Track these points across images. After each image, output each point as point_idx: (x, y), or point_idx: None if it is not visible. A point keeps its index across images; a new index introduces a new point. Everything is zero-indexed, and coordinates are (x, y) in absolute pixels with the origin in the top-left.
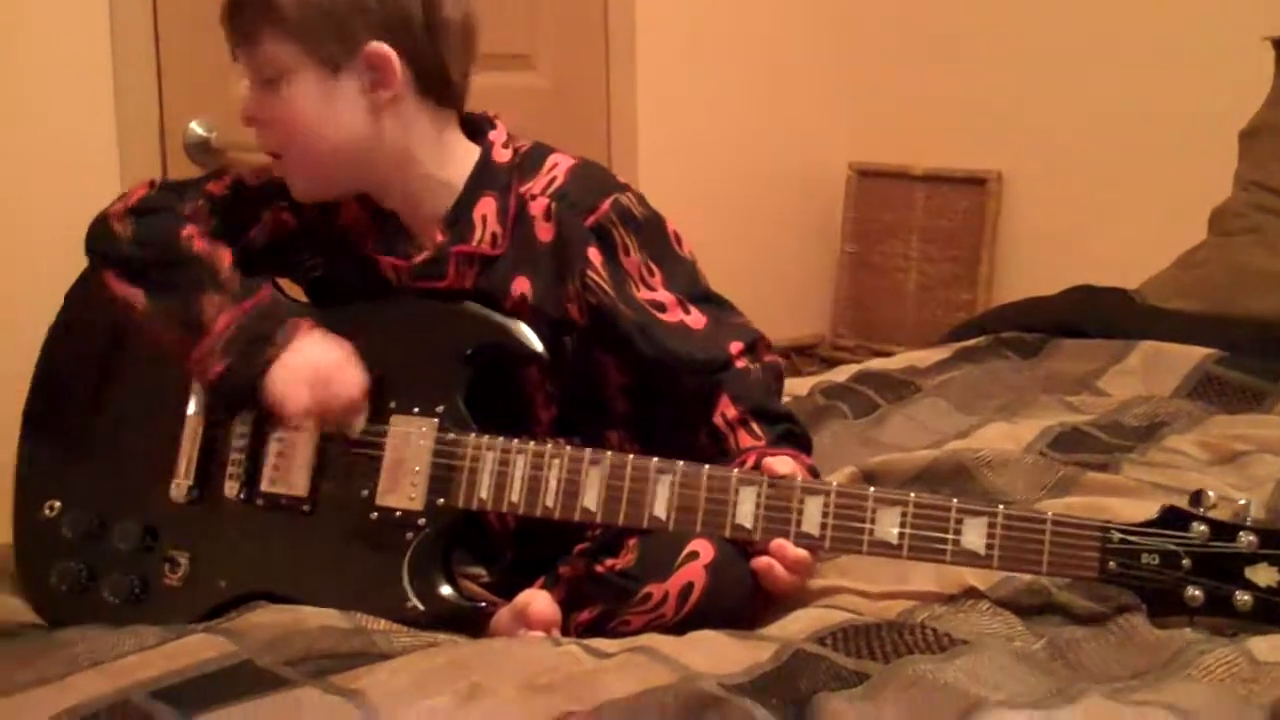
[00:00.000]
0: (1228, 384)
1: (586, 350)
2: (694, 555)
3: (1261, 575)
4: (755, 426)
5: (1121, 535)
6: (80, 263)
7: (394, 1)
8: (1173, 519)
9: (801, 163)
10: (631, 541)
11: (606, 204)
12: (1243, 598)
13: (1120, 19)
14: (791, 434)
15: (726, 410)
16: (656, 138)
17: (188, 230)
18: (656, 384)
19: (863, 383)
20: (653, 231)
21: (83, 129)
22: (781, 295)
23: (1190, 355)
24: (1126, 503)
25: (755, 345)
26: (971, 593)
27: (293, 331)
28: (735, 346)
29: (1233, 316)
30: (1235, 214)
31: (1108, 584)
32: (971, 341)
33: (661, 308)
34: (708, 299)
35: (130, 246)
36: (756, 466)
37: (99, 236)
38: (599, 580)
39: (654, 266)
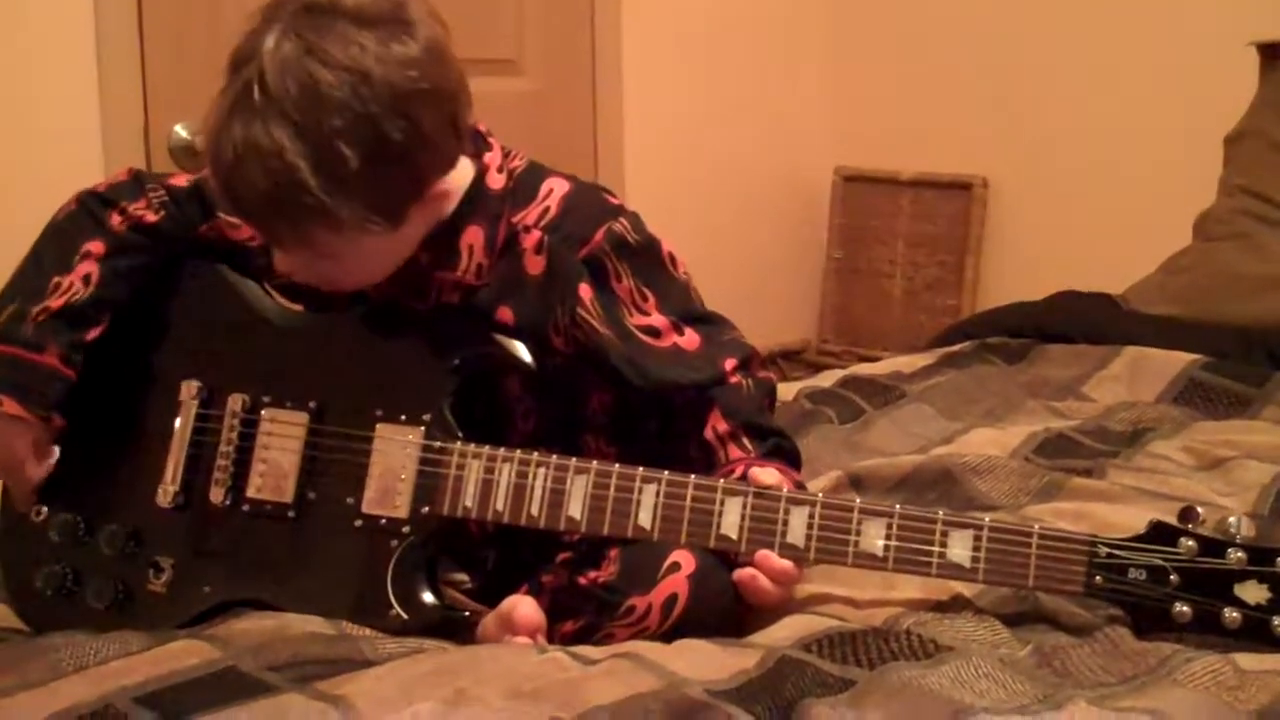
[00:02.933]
0: (1213, 389)
1: (572, 368)
2: (676, 567)
3: (1250, 593)
4: (746, 441)
5: (1109, 550)
6: None
7: (445, 127)
8: (1161, 534)
9: (788, 168)
10: (613, 553)
11: (600, 234)
12: (1231, 615)
13: (1106, 25)
14: (781, 448)
15: (717, 424)
16: (643, 142)
17: (90, 245)
18: (646, 403)
19: (848, 388)
20: (647, 256)
21: (67, 133)
22: (768, 300)
23: (1175, 361)
24: (1112, 508)
25: (749, 361)
26: (958, 599)
27: None
28: (729, 363)
29: (1218, 322)
30: (1220, 219)
31: (1094, 599)
32: (957, 347)
33: (655, 333)
34: (701, 319)
35: (50, 227)
36: (743, 477)
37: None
38: (581, 592)
39: (647, 291)
